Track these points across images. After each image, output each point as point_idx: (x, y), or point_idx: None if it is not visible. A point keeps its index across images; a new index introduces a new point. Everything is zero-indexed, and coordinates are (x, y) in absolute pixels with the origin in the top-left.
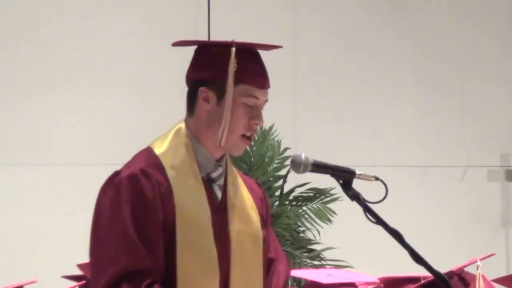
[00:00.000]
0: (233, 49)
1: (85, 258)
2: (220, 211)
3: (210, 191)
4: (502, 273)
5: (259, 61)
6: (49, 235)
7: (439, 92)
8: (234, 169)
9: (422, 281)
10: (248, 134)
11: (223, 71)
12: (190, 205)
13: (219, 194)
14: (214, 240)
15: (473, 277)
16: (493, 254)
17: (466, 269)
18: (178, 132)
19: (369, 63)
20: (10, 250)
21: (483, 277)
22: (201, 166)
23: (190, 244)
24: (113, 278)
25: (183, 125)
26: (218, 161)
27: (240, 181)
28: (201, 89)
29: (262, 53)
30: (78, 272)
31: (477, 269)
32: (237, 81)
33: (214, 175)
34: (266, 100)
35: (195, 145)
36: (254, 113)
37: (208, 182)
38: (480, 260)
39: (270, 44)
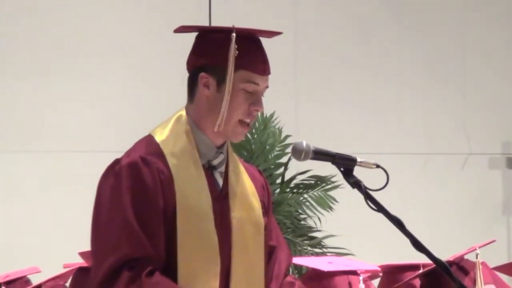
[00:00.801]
0: (234, 34)
1: (87, 246)
2: (221, 198)
3: (211, 179)
4: (504, 261)
5: (260, 47)
6: (51, 223)
7: (441, 80)
8: (236, 157)
9: (422, 269)
10: (247, 120)
11: (223, 57)
12: (191, 192)
13: (220, 181)
14: (215, 227)
15: (473, 264)
16: (493, 241)
17: (466, 257)
18: (179, 119)
19: (371, 51)
20: (11, 239)
21: (484, 264)
22: (202, 153)
23: (191, 232)
24: (114, 265)
25: (183, 112)
26: (219, 148)
27: (241, 168)
28: (201, 74)
29: (263, 40)
30: (80, 260)
31: (477, 257)
32: (237, 67)
33: (215, 162)
34: (267, 87)
35: (196, 132)
36: (254, 99)
37: (209, 169)
38: (479, 247)
39: (270, 31)
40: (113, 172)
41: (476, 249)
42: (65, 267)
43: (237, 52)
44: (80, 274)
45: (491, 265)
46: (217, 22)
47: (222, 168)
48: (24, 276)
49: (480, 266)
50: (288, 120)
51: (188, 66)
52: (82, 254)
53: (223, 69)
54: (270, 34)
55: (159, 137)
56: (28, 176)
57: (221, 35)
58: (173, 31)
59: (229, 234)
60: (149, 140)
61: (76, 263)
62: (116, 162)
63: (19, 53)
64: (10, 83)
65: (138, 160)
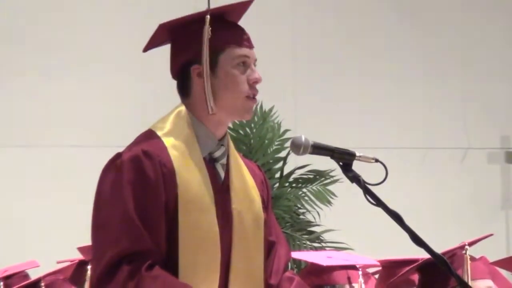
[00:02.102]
0: (208, 16)
1: (87, 241)
2: (222, 190)
3: (213, 171)
4: (502, 255)
5: (234, 23)
6: (51, 218)
7: (440, 74)
8: (235, 151)
9: (419, 262)
10: (251, 96)
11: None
12: (193, 185)
13: (222, 173)
14: (217, 219)
15: (463, 260)
16: (487, 236)
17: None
18: (179, 113)
19: (370, 45)
20: (11, 233)
21: (484, 259)
22: (203, 146)
23: (192, 224)
24: (113, 259)
25: (183, 107)
26: (220, 140)
27: (241, 162)
28: (193, 67)
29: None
30: (74, 255)
31: (465, 252)
32: (222, 47)
33: (217, 154)
34: (256, 60)
35: (197, 125)
36: (249, 72)
37: (210, 161)
38: (470, 243)
39: (240, 1)
40: (114, 166)
41: (465, 245)
42: (58, 263)
43: (210, 33)
44: (80, 268)
45: (490, 259)
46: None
47: (224, 160)
48: (23, 271)
49: (469, 262)
50: (287, 114)
51: (174, 70)
52: (81, 249)
53: (212, 53)
54: (242, 5)
55: (160, 131)
56: (29, 171)
57: (196, 25)
58: (142, 51)
59: (230, 226)
60: (150, 133)
61: (69, 259)
62: (118, 156)
63: (23, 49)
64: (13, 79)
65: (140, 154)
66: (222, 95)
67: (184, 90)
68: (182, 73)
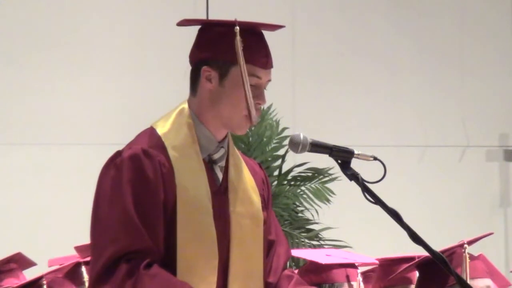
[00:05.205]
0: (237, 27)
1: (85, 240)
2: (220, 192)
3: (211, 173)
4: (501, 253)
5: (262, 41)
6: (49, 216)
7: (438, 72)
8: (237, 151)
9: (416, 260)
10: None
11: (225, 51)
12: (191, 186)
13: (220, 175)
14: (214, 221)
15: (462, 258)
16: (484, 236)
17: (468, 250)
18: (181, 112)
19: (369, 44)
20: (8, 231)
21: (483, 257)
22: (202, 147)
23: (190, 225)
24: (112, 258)
25: (186, 105)
26: (221, 142)
27: (242, 162)
28: (204, 68)
29: None
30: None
31: (464, 251)
32: (238, 61)
33: (216, 156)
34: (269, 80)
35: (198, 125)
36: (257, 92)
37: (209, 163)
38: (468, 241)
39: (273, 24)
40: (114, 164)
41: (464, 243)
42: (50, 264)
43: (242, 45)
44: (76, 267)
45: (488, 257)
46: (214, 15)
47: (223, 163)
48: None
49: (468, 260)
50: (286, 112)
51: (191, 60)
52: (78, 248)
53: (226, 63)
54: (272, 27)
55: (160, 130)
56: (29, 169)
57: (223, 29)
58: (176, 24)
59: (227, 228)
60: (151, 132)
61: (60, 257)
62: (118, 154)
63: (23, 48)
64: (13, 78)
65: (140, 153)
66: (222, 106)
67: (193, 86)
68: (195, 68)
